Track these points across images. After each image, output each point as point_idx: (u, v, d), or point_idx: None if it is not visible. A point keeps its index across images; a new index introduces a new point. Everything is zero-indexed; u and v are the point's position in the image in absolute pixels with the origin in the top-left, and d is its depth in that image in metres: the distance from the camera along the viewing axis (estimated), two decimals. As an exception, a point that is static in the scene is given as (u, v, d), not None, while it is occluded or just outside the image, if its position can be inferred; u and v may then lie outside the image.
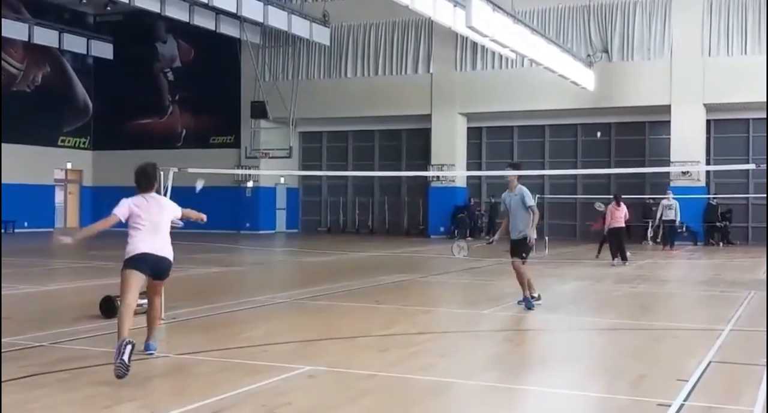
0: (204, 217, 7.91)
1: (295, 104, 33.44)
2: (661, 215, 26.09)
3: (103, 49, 35.91)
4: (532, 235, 11.24)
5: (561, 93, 29.14)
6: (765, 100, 25.04)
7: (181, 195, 8.83)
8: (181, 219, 7.71)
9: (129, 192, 7.33)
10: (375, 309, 11.21)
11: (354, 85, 33.48)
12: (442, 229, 32.20)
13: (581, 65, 27.90)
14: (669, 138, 29.28)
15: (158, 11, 28.29)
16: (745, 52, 28.41)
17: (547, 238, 24.90)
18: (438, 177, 32.01)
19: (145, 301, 7.71)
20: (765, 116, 27.40)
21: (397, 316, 10.59)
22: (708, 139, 29.87)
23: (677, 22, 29.09)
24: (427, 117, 32.66)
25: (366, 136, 35.76)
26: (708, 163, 29.22)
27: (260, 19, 29.24)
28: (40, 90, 35.62)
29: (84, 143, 37.88)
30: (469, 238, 28.53)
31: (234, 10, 28.00)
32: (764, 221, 27.75)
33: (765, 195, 25.18)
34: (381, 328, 9.47)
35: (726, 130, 30.43)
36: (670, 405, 5.91)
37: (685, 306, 12.84)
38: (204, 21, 30.66)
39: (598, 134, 31.59)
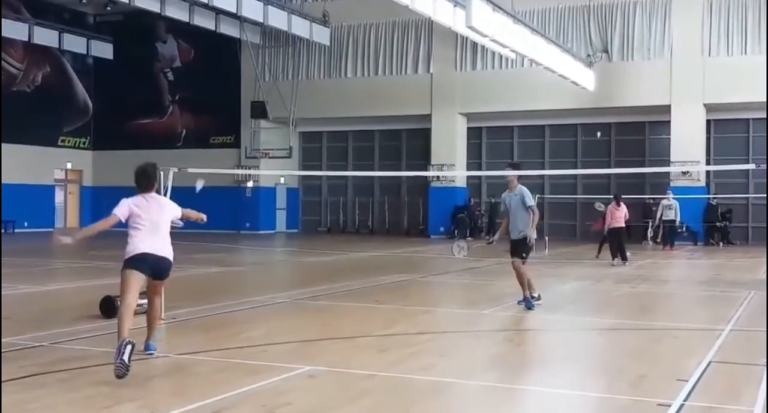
0: (204, 217, 7.91)
1: (295, 103, 33.44)
2: (661, 215, 26.10)
3: (103, 49, 35.91)
4: (532, 235, 11.25)
5: (561, 93, 29.14)
6: (765, 100, 25.05)
7: (181, 195, 8.83)
8: (181, 219, 7.72)
9: (129, 192, 7.33)
10: (375, 309, 11.21)
11: (354, 85, 33.48)
12: (442, 229, 32.20)
13: (581, 65, 27.91)
14: (669, 138, 29.29)
15: (158, 11, 28.29)
16: (745, 52, 28.41)
17: (547, 238, 24.90)
18: (438, 177, 32.01)
19: (145, 301, 7.71)
20: (765, 116, 27.41)
21: (397, 316, 10.59)
22: (708, 139, 29.87)
23: (677, 22, 29.10)
24: (427, 117, 32.66)
25: (366, 136, 35.76)
26: (708, 163, 29.23)
27: (260, 19, 29.25)
28: (40, 90, 35.62)
29: (84, 143, 37.89)
30: (469, 238, 28.53)
31: (234, 10, 28.00)
32: (764, 221, 27.75)
33: (765, 195, 25.19)
34: (381, 328, 9.47)
35: (726, 130, 30.43)
36: (670, 405, 5.90)
37: (685, 306, 12.84)
38: (204, 21, 30.66)
39: (598, 133, 31.60)
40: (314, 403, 5.98)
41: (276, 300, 11.87)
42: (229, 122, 35.31)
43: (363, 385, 6.59)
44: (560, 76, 26.37)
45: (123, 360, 6.27)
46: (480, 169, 32.88)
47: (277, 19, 29.83)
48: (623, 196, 20.50)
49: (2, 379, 6.31)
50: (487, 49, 30.34)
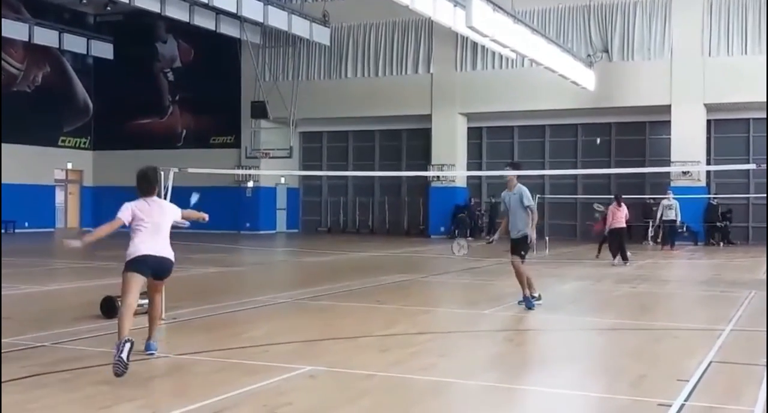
0: (206, 216, 7.98)
1: (295, 104, 33.44)
2: (662, 215, 26.10)
3: (104, 49, 35.92)
4: (533, 235, 11.28)
5: (561, 93, 29.15)
6: (765, 100, 25.04)
7: (182, 195, 8.84)
8: (183, 220, 7.77)
9: (129, 192, 7.40)
10: (375, 309, 11.21)
11: (354, 86, 33.48)
12: (442, 229, 32.21)
13: (581, 65, 27.91)
14: (669, 138, 29.29)
15: (158, 11, 28.29)
16: (746, 52, 28.41)
17: (547, 238, 24.91)
18: (438, 177, 32.02)
19: (146, 301, 7.76)
20: (765, 115, 27.41)
21: (398, 316, 10.59)
22: (708, 139, 29.88)
23: (677, 22, 29.10)
24: (428, 117, 32.67)
25: (366, 136, 35.76)
26: (708, 163, 29.23)
27: (260, 19, 29.25)
28: (41, 90, 35.63)
29: (84, 143, 37.90)
30: (470, 238, 28.52)
31: (234, 10, 28.00)
32: (764, 221, 27.75)
33: (765, 195, 25.19)
34: (381, 328, 9.48)
35: (726, 130, 30.44)
36: (670, 405, 5.90)
37: (686, 306, 12.84)
38: (204, 21, 30.67)
39: (598, 140, 31.28)
40: (315, 403, 5.99)
41: (277, 300, 11.87)
42: (230, 122, 35.32)
43: (363, 385, 6.59)
44: (560, 76, 26.37)
45: (121, 358, 6.32)
46: (480, 169, 32.89)
47: (277, 19, 29.83)
48: (624, 196, 20.51)
49: (3, 379, 6.32)
50: (487, 49, 30.34)
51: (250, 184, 34.90)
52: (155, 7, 28.07)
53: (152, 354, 7.41)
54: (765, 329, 8.68)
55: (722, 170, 29.32)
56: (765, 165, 11.05)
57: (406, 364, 7.42)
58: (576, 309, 12.01)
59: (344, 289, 13.43)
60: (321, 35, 32.42)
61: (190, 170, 10.38)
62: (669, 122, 29.20)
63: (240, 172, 32.77)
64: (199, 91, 35.69)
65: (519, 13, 23.06)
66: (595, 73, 29.07)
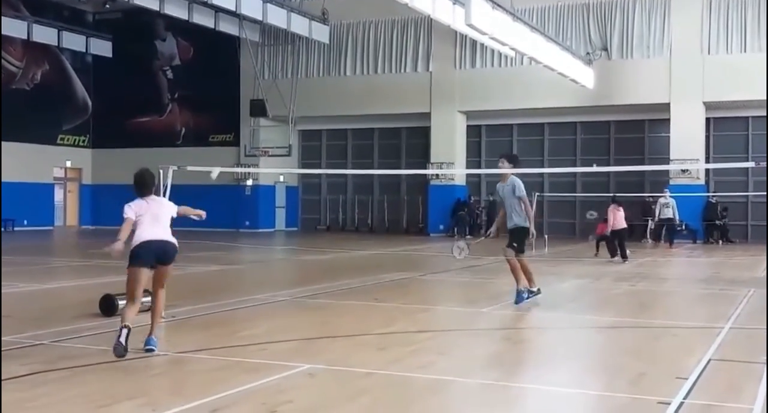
0: (203, 213, 8.28)
1: (294, 102, 33.42)
2: (659, 213, 26.13)
3: (103, 47, 35.90)
4: (532, 230, 11.35)
5: (560, 91, 29.14)
6: (765, 98, 25.05)
7: (181, 193, 8.86)
8: (180, 216, 8.03)
9: (128, 190, 7.74)
10: (374, 307, 11.21)
11: (353, 84, 33.47)
12: (441, 227, 32.22)
13: (580, 63, 27.91)
14: (668, 136, 29.29)
15: (157, 9, 28.26)
16: (745, 50, 28.41)
17: (546, 236, 24.91)
18: (437, 175, 32.02)
19: (148, 299, 7.95)
20: (765, 114, 27.42)
21: (397, 314, 10.59)
22: (707, 137, 29.88)
23: (677, 19, 29.09)
24: (427, 115, 32.66)
25: (365, 134, 35.76)
26: (707, 161, 29.23)
27: (259, 17, 29.24)
28: (40, 88, 35.60)
29: (83, 141, 37.88)
30: (469, 236, 28.52)
31: (233, 8, 27.95)
32: (764, 219, 27.77)
33: (764, 193, 25.20)
34: (380, 326, 9.48)
35: (725, 128, 30.44)
36: (669, 403, 5.90)
37: (685, 304, 12.84)
38: (203, 19, 30.65)
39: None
40: (314, 401, 5.99)
41: (276, 298, 11.87)
42: (229, 120, 35.31)
43: (362, 383, 6.60)
44: (559, 74, 26.37)
45: (120, 341, 6.91)
46: (479, 167, 32.88)
47: (276, 17, 29.81)
48: (623, 194, 20.53)
49: (3, 377, 6.32)
50: (486, 47, 30.33)
51: (249, 182, 34.89)
52: (154, 5, 28.04)
53: (152, 349, 7.41)
54: (765, 326, 8.68)
55: (721, 168, 29.34)
56: (764, 163, 11.05)
57: (405, 362, 7.42)
58: (575, 307, 12.01)
59: (343, 287, 13.43)
60: (320, 33, 32.39)
61: (189, 168, 10.38)
62: (668, 120, 29.20)
63: (239, 170, 32.72)
64: (198, 89, 35.68)
65: (518, 11, 23.05)
66: (594, 71, 29.06)
